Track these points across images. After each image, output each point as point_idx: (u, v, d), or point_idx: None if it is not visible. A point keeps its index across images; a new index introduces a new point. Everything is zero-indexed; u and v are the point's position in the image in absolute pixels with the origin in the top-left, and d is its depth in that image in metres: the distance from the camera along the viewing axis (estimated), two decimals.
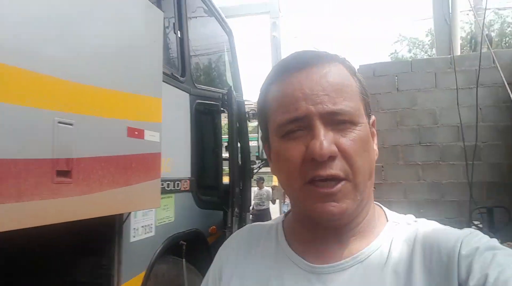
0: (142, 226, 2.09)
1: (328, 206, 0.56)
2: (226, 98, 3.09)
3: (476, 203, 3.45)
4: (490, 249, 0.54)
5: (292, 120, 0.58)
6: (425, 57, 19.02)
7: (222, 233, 3.07)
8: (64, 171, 1.24)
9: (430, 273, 0.56)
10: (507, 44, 16.43)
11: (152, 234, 2.18)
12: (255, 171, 4.05)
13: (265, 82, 0.66)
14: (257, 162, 3.89)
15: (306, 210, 0.61)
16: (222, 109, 3.14)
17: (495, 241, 0.57)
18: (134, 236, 2.01)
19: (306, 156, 0.56)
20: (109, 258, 1.89)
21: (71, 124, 1.27)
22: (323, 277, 0.60)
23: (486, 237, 0.58)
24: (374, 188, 0.67)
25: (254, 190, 8.02)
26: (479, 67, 3.36)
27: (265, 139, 0.68)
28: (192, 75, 2.86)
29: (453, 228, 0.62)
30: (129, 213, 1.90)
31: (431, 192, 3.75)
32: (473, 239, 0.56)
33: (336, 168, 0.56)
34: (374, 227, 0.65)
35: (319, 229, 0.63)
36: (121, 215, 1.87)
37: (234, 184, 3.06)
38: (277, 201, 9.08)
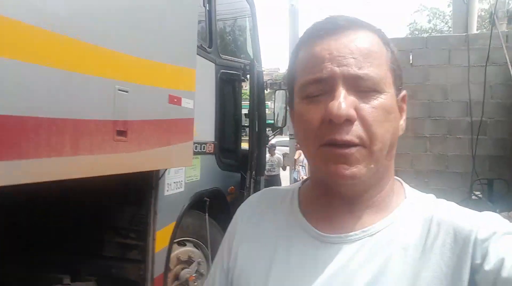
0: (174, 182, 2.37)
1: (341, 168, 0.55)
2: (248, 68, 3.29)
3: (478, 175, 3.67)
4: (508, 233, 0.53)
5: (316, 80, 0.57)
6: (445, 28, 18.59)
7: (240, 193, 3.36)
8: (122, 131, 1.49)
9: (443, 254, 0.55)
10: None
11: (182, 189, 2.46)
12: (270, 138, 4.31)
13: (296, 45, 0.65)
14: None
15: (319, 171, 0.61)
16: (243, 78, 3.35)
17: None
18: (167, 190, 2.30)
19: (324, 117, 0.55)
20: (146, 208, 2.18)
21: (127, 91, 1.50)
22: (330, 246, 0.60)
23: (506, 221, 0.57)
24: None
25: (266, 156, 8.29)
26: (489, 46, 3.48)
27: (290, 102, 0.67)
28: (218, 46, 3.05)
29: (472, 210, 0.60)
30: (165, 169, 2.17)
31: (437, 163, 3.96)
32: (491, 224, 0.55)
33: (352, 133, 0.54)
34: (390, 202, 0.63)
35: (333, 198, 0.63)
36: (157, 171, 2.14)
37: (253, 149, 3.32)
38: (287, 168, 9.37)
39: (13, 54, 1.05)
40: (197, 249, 2.76)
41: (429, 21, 19.56)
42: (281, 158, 9.15)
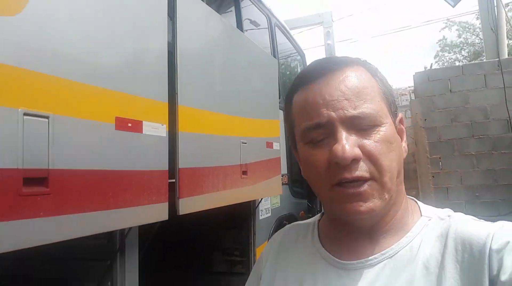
0: (265, 208, 2.95)
1: (356, 206, 0.56)
2: None
3: None
4: None
5: (315, 126, 0.59)
6: (476, 40, 18.57)
7: (308, 217, 3.89)
8: (245, 171, 2.11)
9: (462, 269, 0.56)
10: None
11: (269, 214, 3.04)
12: None
13: (289, 91, 0.67)
14: None
15: (336, 211, 0.62)
16: None
17: None
18: (261, 215, 2.88)
19: (330, 160, 0.57)
20: (247, 230, 2.77)
21: (246, 143, 2.13)
22: (352, 273, 0.62)
23: None
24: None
25: None
26: None
27: (293, 144, 0.70)
28: (282, 95, 3.71)
29: (487, 222, 0.60)
30: (260, 199, 2.77)
31: (485, 178, 4.32)
32: (505, 233, 0.55)
33: (361, 169, 0.56)
34: (406, 222, 0.64)
35: (350, 228, 0.64)
36: (254, 200, 2.74)
37: None
38: None
39: (202, 130, 1.71)
40: None
41: (459, 35, 19.52)
42: None
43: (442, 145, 4.47)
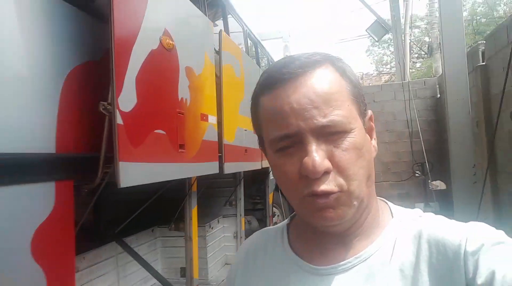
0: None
1: (326, 213, 0.57)
2: None
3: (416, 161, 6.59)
4: (496, 243, 0.53)
5: (284, 137, 0.58)
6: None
7: None
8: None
9: (437, 271, 0.55)
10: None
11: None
12: None
13: (255, 91, 0.65)
14: None
15: (307, 220, 0.62)
16: None
17: (501, 234, 0.56)
18: (271, 177, 5.02)
19: (301, 172, 0.56)
20: (264, 184, 4.89)
21: None
22: (326, 278, 0.61)
23: (492, 230, 0.57)
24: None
25: None
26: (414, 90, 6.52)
27: (261, 144, 0.68)
28: None
29: (459, 222, 0.60)
30: None
31: (392, 156, 6.88)
32: (479, 234, 0.55)
33: (330, 183, 0.56)
34: (378, 224, 0.64)
35: (323, 233, 0.64)
36: (267, 166, 4.86)
37: None
38: None
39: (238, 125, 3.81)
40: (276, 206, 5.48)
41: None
42: None
43: None
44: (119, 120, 1.37)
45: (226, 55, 2.75)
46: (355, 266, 0.60)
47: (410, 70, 8.47)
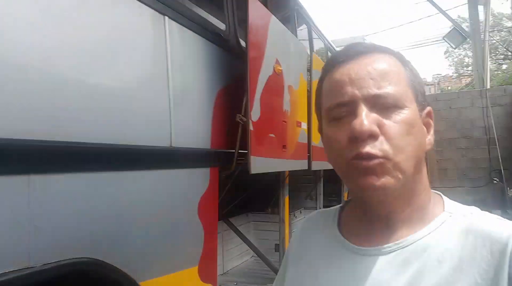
0: None
1: (370, 179, 0.57)
2: None
3: None
4: None
5: (339, 104, 0.60)
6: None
7: None
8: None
9: (479, 267, 0.55)
10: None
11: None
12: None
13: (321, 75, 0.68)
14: None
15: (352, 186, 0.62)
16: None
17: None
18: None
19: (350, 136, 0.58)
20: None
21: None
22: (366, 259, 0.63)
23: None
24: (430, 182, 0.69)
25: None
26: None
27: (320, 128, 0.70)
28: None
29: (509, 221, 0.60)
30: None
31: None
32: None
33: (375, 147, 0.56)
34: (427, 215, 0.64)
35: (371, 214, 0.66)
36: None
37: None
38: None
39: None
40: None
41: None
42: None
43: None
44: (251, 127, 1.97)
45: (315, 72, 3.29)
46: (394, 251, 0.62)
47: (496, 72, 8.32)
